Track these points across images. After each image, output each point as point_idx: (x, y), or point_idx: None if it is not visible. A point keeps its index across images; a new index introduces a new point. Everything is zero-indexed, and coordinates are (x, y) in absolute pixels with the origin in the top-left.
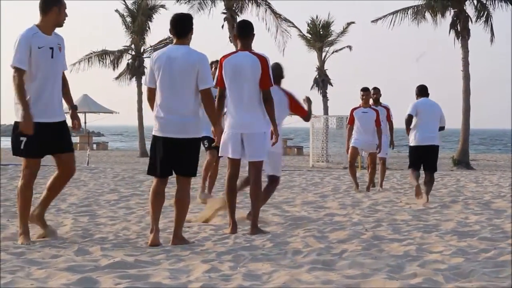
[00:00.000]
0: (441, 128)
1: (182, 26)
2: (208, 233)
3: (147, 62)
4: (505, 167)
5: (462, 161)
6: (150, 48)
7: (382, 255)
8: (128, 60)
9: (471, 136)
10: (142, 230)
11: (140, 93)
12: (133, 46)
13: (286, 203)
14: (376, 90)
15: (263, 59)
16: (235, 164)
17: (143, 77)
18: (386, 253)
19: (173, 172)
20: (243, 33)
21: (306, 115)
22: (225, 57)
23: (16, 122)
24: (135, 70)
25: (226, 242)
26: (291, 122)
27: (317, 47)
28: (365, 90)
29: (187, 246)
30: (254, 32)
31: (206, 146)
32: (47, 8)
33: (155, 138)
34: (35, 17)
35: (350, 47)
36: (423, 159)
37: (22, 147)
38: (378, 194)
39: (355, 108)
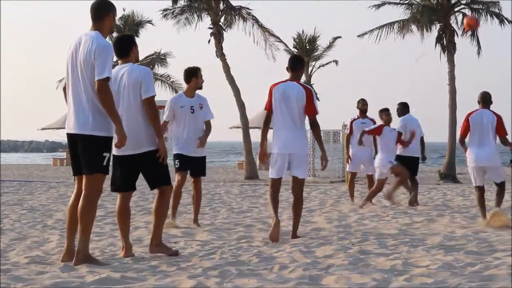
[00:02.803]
0: (421, 138)
1: (121, 48)
2: (195, 249)
3: None
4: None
5: (449, 175)
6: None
7: (369, 269)
8: None
9: (457, 149)
10: None
11: None
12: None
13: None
14: (364, 102)
15: (308, 90)
16: (277, 183)
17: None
18: (373, 268)
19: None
20: (294, 66)
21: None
22: (274, 85)
23: (101, 137)
24: None
25: (212, 258)
26: None
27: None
28: (384, 110)
29: (174, 261)
30: (304, 67)
31: (177, 166)
32: (104, 14)
33: (114, 157)
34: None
35: (336, 62)
36: (407, 167)
37: (105, 163)
38: (365, 208)
39: (354, 119)
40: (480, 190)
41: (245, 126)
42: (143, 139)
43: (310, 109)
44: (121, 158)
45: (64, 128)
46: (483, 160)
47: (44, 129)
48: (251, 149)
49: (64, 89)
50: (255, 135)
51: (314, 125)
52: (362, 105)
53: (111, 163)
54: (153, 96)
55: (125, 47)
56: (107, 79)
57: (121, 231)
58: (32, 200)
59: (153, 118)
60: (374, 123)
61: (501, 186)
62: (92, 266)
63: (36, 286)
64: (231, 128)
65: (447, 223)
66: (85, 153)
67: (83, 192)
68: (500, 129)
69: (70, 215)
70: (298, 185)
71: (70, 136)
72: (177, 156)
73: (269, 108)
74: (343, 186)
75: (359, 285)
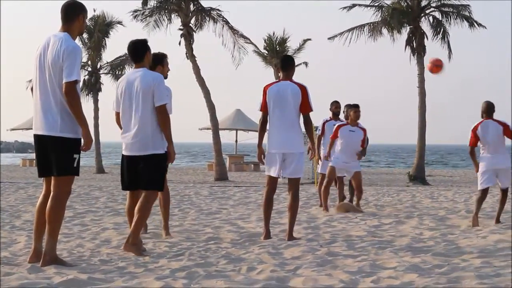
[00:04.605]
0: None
1: (136, 52)
2: (163, 250)
3: (104, 79)
4: (460, 183)
5: (418, 177)
6: (106, 64)
7: (336, 271)
8: (85, 76)
9: (427, 151)
10: (96, 247)
11: (96, 110)
12: (89, 62)
13: (242, 220)
14: (337, 104)
15: (303, 88)
16: (274, 181)
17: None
18: (340, 269)
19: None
20: (284, 66)
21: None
22: (269, 85)
23: (70, 139)
24: (92, 86)
25: (180, 259)
26: (249, 138)
27: (273, 64)
28: (356, 106)
29: (141, 263)
30: (294, 66)
31: None
32: (74, 16)
33: (122, 156)
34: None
35: (306, 64)
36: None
37: (75, 165)
38: (334, 210)
39: (341, 125)
40: (484, 192)
41: (215, 127)
42: (150, 142)
43: (305, 107)
44: (128, 158)
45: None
46: (496, 163)
47: (13, 129)
48: (221, 151)
49: (32, 89)
50: (226, 137)
51: (308, 122)
52: (335, 108)
53: (81, 163)
54: (165, 104)
55: (140, 52)
56: (76, 82)
57: (130, 228)
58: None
59: (164, 124)
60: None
61: (505, 193)
62: (59, 267)
63: (3, 287)
64: (201, 129)
65: (415, 225)
66: (53, 154)
67: (52, 193)
68: (510, 134)
69: (38, 217)
70: (293, 185)
71: (37, 137)
72: None
73: (264, 109)
74: (312, 188)
75: (327, 287)
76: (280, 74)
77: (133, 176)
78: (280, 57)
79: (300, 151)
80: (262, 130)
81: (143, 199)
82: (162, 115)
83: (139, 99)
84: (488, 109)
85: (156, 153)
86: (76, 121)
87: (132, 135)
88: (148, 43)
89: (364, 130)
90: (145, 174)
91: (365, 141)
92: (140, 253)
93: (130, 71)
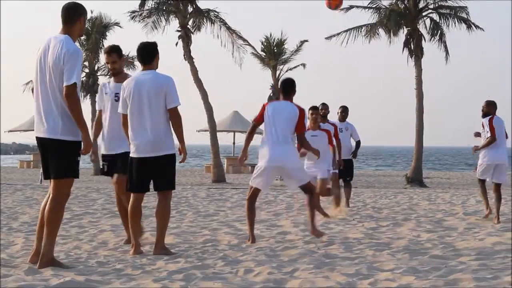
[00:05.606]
0: (358, 142)
1: (146, 54)
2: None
3: (102, 80)
4: (458, 185)
5: (416, 179)
6: (104, 66)
7: (334, 273)
8: (82, 78)
9: (424, 153)
10: (93, 249)
11: (94, 112)
12: (87, 63)
13: (239, 222)
14: (325, 106)
15: (301, 111)
16: (257, 193)
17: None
18: (337, 272)
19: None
20: (285, 91)
21: None
22: (269, 102)
23: (70, 142)
24: (89, 88)
25: (177, 261)
26: None
27: (271, 65)
28: (314, 108)
29: (139, 265)
30: (295, 88)
31: (105, 170)
32: (75, 18)
33: (131, 159)
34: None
35: (304, 65)
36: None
37: (73, 167)
38: (331, 212)
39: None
40: (483, 182)
41: (213, 129)
42: (163, 143)
43: (300, 128)
44: (140, 160)
45: (31, 130)
46: (497, 159)
47: (11, 131)
48: (218, 152)
49: (33, 91)
50: (223, 139)
51: (303, 140)
52: (320, 110)
53: (80, 166)
54: (178, 106)
55: (150, 55)
56: (75, 85)
57: (132, 231)
58: None
59: (178, 126)
60: (335, 128)
61: (498, 190)
62: (56, 269)
63: None
64: (198, 131)
65: (412, 227)
66: (53, 157)
67: (51, 195)
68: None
69: (41, 218)
70: (306, 189)
71: (39, 139)
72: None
73: (258, 120)
74: None
75: None
76: (281, 96)
77: (143, 178)
78: (281, 81)
79: (297, 165)
80: (249, 138)
81: (162, 202)
82: (175, 117)
83: (151, 101)
84: (495, 107)
85: (168, 154)
86: (76, 124)
87: (144, 137)
88: (158, 47)
89: (327, 131)
90: (161, 176)
91: (332, 141)
92: (171, 252)
93: (138, 73)
